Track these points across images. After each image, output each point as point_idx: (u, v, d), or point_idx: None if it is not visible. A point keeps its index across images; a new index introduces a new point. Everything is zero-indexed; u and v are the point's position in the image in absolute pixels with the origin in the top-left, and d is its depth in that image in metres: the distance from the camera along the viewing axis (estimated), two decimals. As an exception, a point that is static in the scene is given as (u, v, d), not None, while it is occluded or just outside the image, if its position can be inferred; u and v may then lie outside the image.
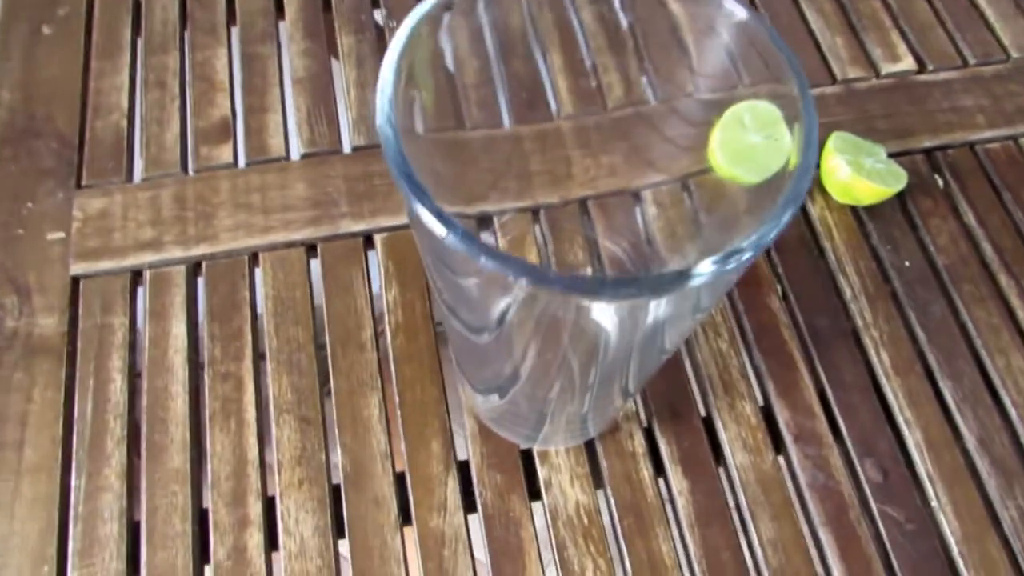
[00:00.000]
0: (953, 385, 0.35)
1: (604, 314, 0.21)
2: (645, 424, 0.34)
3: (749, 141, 0.26)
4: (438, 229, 0.19)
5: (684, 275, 0.19)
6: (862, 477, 0.33)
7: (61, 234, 0.37)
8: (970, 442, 0.34)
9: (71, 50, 0.43)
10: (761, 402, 0.35)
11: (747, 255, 0.20)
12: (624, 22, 0.28)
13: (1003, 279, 0.38)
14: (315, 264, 0.38)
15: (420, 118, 0.28)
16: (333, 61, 0.44)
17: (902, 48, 0.45)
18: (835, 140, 0.38)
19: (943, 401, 0.35)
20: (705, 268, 0.19)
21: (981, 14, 0.46)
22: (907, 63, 0.44)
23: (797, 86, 0.22)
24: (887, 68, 0.44)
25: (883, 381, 0.35)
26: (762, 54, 0.25)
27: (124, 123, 0.41)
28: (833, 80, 0.43)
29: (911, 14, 0.46)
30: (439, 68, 0.28)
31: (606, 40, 0.30)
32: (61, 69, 0.42)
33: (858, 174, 0.37)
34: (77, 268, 0.36)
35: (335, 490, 0.33)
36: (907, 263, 0.38)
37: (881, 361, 0.35)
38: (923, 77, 0.44)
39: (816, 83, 0.43)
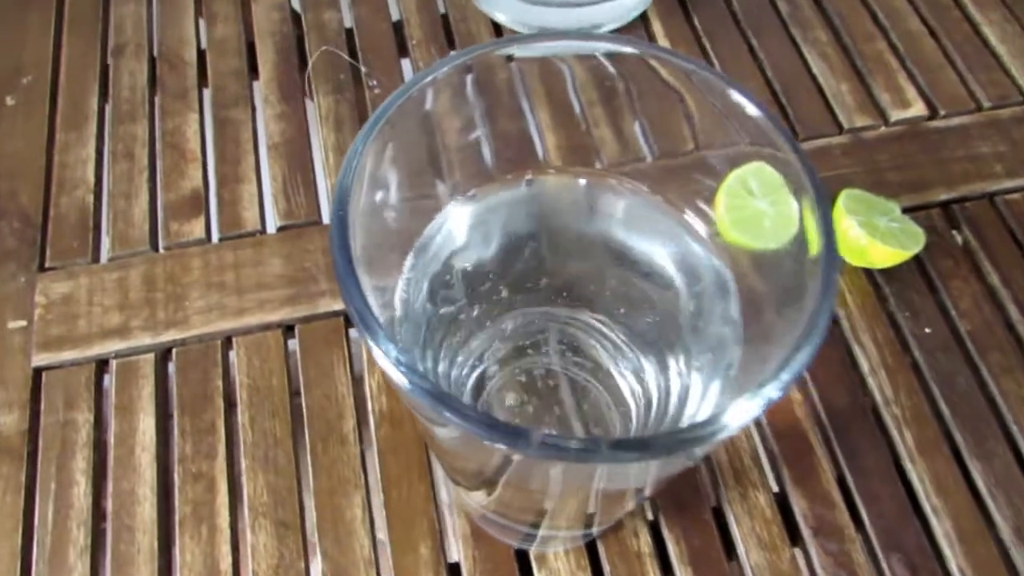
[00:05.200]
0: (983, 467, 0.32)
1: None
2: (651, 519, 0.31)
3: (757, 207, 0.24)
4: (399, 379, 0.16)
5: (709, 428, 0.16)
6: (888, 575, 0.30)
7: (23, 322, 0.35)
8: (1004, 532, 0.31)
9: (35, 121, 0.41)
10: (776, 490, 0.32)
11: (776, 394, 0.17)
12: (620, 83, 0.26)
13: (1031, 343, 0.35)
14: (293, 345, 0.35)
15: (396, 188, 0.26)
16: (310, 124, 0.41)
17: (911, 92, 0.42)
18: (845, 199, 0.36)
19: (973, 486, 0.32)
20: (737, 417, 0.16)
21: (993, 52, 0.44)
22: (917, 108, 0.42)
23: (804, 173, 0.20)
24: (896, 115, 0.41)
25: (907, 464, 0.32)
26: (757, 125, 0.22)
27: (90, 198, 0.39)
28: (840, 130, 0.41)
29: (919, 55, 0.44)
30: (420, 137, 0.26)
31: (598, 94, 0.28)
32: (25, 142, 0.40)
33: (872, 237, 0.34)
34: (39, 359, 0.34)
35: (316, 602, 0.30)
36: (928, 330, 0.35)
37: (904, 441, 0.33)
38: (935, 123, 0.41)
39: (822, 133, 0.41)
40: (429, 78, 0.22)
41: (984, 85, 0.42)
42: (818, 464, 0.32)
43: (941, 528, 0.31)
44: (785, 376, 0.16)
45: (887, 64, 0.43)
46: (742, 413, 0.16)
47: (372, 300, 0.18)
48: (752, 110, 0.21)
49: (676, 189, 0.26)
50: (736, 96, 0.21)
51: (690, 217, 0.26)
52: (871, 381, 0.34)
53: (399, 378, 0.16)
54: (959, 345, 0.35)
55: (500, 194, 0.26)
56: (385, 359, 0.16)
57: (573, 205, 0.27)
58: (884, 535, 0.31)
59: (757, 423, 0.33)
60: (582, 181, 0.27)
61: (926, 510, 0.31)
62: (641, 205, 0.26)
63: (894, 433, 0.33)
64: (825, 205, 0.20)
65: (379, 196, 0.23)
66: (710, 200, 0.25)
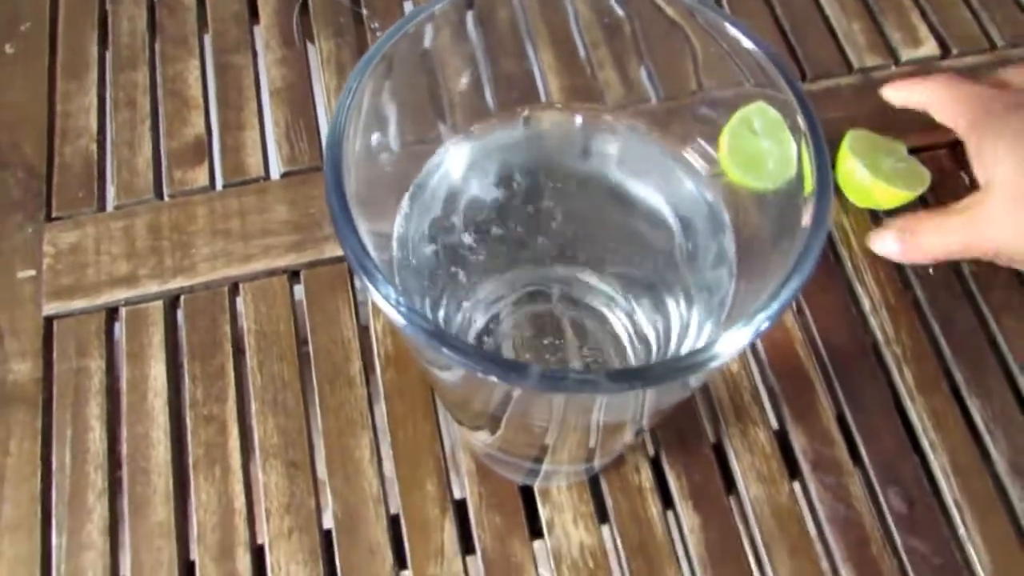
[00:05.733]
0: (982, 404, 0.33)
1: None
2: (652, 455, 0.32)
3: (760, 146, 0.24)
4: (397, 319, 0.16)
5: (701, 356, 0.17)
6: (885, 507, 0.31)
7: (32, 272, 0.36)
8: (1000, 465, 0.32)
9: (35, 70, 0.41)
10: (776, 427, 0.33)
11: (766, 323, 0.17)
12: (622, 16, 0.25)
13: (1035, 282, 0.35)
14: (299, 291, 0.36)
15: (395, 132, 0.26)
16: (312, 68, 0.41)
17: (923, 31, 0.41)
18: (851, 140, 0.35)
19: (971, 422, 0.33)
20: (728, 346, 0.17)
21: (1008, -13, 0.43)
22: (929, 47, 0.41)
23: (801, 112, 0.20)
24: (908, 54, 0.41)
25: (906, 402, 0.33)
26: (758, 63, 0.22)
27: (94, 147, 0.39)
28: (849, 69, 0.40)
29: (932, -10, 0.43)
30: (418, 76, 0.26)
31: (603, 34, 0.28)
32: (26, 92, 0.40)
33: (877, 177, 0.34)
34: (50, 308, 0.35)
35: (327, 537, 0.31)
36: (931, 269, 0.35)
37: (904, 379, 0.33)
38: (947, 63, 0.40)
39: (831, 74, 0.40)
40: (426, 12, 0.22)
41: (999, 23, 0.41)
42: (818, 401, 0.33)
43: (938, 462, 0.32)
44: (775, 306, 0.16)
45: (899, 2, 0.42)
46: (734, 342, 0.16)
47: (368, 241, 0.18)
48: (751, 47, 0.21)
49: (678, 129, 0.26)
50: (735, 33, 0.21)
51: (691, 156, 0.26)
52: (872, 320, 0.34)
53: (396, 316, 0.17)
54: (961, 284, 0.35)
55: (496, 133, 0.26)
56: (381, 299, 0.17)
57: (569, 144, 0.27)
58: (881, 469, 0.32)
59: (758, 361, 0.34)
60: (578, 119, 0.26)
61: (924, 445, 0.32)
62: (637, 144, 0.26)
63: (894, 371, 0.33)
64: (820, 142, 0.20)
65: (376, 136, 0.23)
66: (712, 139, 0.25)
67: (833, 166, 0.35)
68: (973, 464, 0.32)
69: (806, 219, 0.18)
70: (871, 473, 0.32)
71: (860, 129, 0.36)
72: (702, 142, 0.25)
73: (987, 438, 0.32)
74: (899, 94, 0.35)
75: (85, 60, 0.41)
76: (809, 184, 0.19)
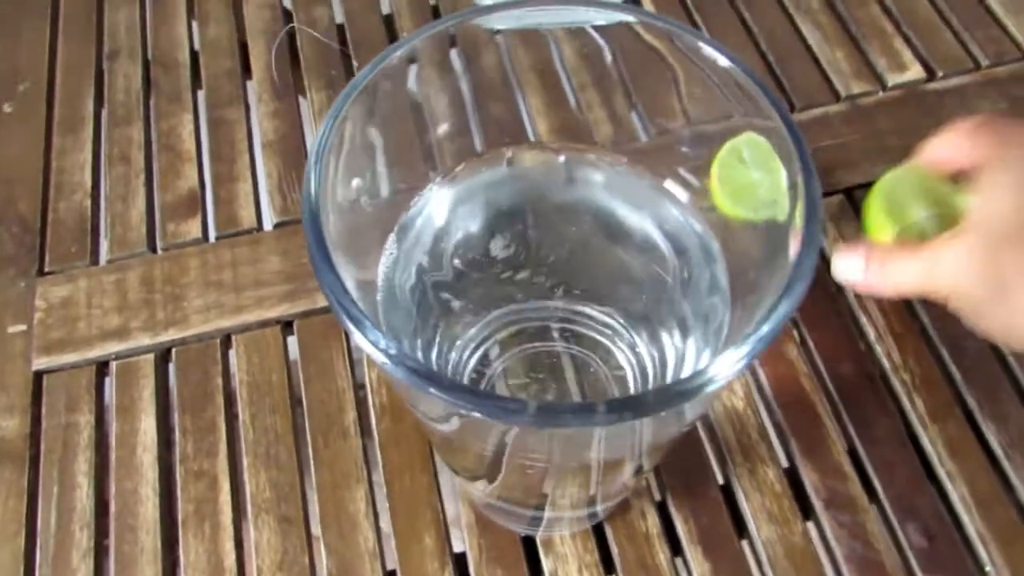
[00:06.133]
0: (998, 428, 0.32)
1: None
2: (659, 499, 0.31)
3: (750, 177, 0.24)
4: (378, 357, 0.16)
5: (696, 382, 0.16)
6: (905, 543, 0.30)
7: (23, 327, 0.35)
8: (1023, 493, 0.30)
9: (33, 127, 0.41)
10: (785, 464, 0.32)
11: (759, 346, 0.17)
12: (607, 55, 0.25)
13: (1043, 304, 0.34)
14: (292, 342, 0.35)
15: (380, 173, 0.25)
16: (304, 119, 0.41)
17: (908, 55, 0.41)
18: (887, 183, 0.30)
19: (988, 448, 0.31)
20: (722, 370, 0.16)
21: (988, 9, 0.43)
22: (915, 72, 0.41)
23: (790, 138, 0.19)
24: (894, 79, 0.41)
25: (919, 430, 0.32)
26: (746, 92, 0.22)
27: (88, 202, 0.39)
28: (837, 98, 0.40)
29: (914, 17, 0.43)
30: (402, 117, 0.25)
31: (590, 76, 0.28)
32: (23, 148, 0.40)
33: (900, 234, 0.29)
34: (40, 363, 0.34)
35: (322, 595, 0.30)
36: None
37: (915, 407, 0.32)
38: (934, 85, 0.40)
39: (819, 103, 0.40)
40: (406, 47, 0.21)
41: (981, 43, 0.41)
42: (827, 436, 0.32)
43: (957, 493, 0.30)
44: (765, 329, 0.16)
45: (882, 28, 0.42)
46: (727, 366, 0.15)
47: (351, 282, 0.18)
48: (732, 69, 0.21)
49: (665, 162, 0.25)
50: (712, 54, 0.21)
51: (678, 187, 0.26)
52: (878, 348, 0.33)
53: (377, 355, 0.16)
54: (968, 309, 0.34)
55: (481, 172, 0.25)
56: (365, 341, 0.16)
57: (554, 178, 0.26)
58: (899, 503, 0.30)
59: (763, 397, 0.33)
60: (562, 158, 0.26)
61: (940, 476, 0.31)
62: (623, 177, 0.26)
63: (904, 399, 0.32)
64: (809, 167, 0.19)
65: (357, 179, 0.23)
66: (699, 171, 0.25)
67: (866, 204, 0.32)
68: (994, 493, 0.30)
69: (795, 246, 0.18)
70: (887, 508, 0.30)
71: (901, 171, 0.31)
72: (686, 174, 0.25)
73: (1006, 464, 0.31)
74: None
75: (81, 117, 0.41)
76: (800, 211, 0.19)
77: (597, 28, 0.24)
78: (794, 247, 0.19)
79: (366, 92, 0.21)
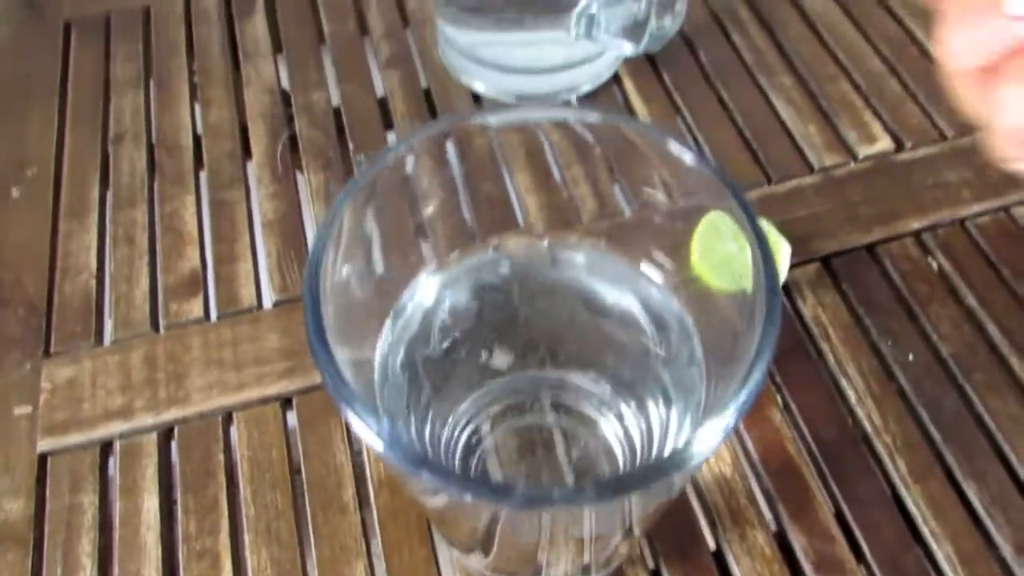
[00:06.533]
0: (978, 487, 0.32)
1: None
2: (652, 567, 0.32)
3: (728, 249, 0.25)
4: (375, 444, 0.17)
5: (680, 457, 0.17)
6: (894, 605, 0.30)
7: (28, 408, 0.36)
8: (1005, 550, 0.31)
9: (40, 212, 0.43)
10: (774, 528, 0.32)
11: (734, 417, 0.18)
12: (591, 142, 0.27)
13: (1015, 362, 0.36)
14: (292, 417, 0.36)
15: (380, 260, 0.27)
16: (302, 199, 0.43)
17: (877, 128, 0.44)
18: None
19: (970, 506, 0.32)
20: (703, 445, 0.17)
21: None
22: (884, 143, 0.43)
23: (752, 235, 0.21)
24: (864, 151, 0.43)
25: (902, 491, 0.33)
26: (701, 175, 0.24)
27: (93, 283, 0.40)
28: (811, 170, 0.42)
29: (882, 92, 0.45)
30: (399, 205, 0.27)
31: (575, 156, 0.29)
32: (30, 233, 0.42)
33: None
34: (44, 444, 0.35)
35: (323, 672, 0.30)
36: (911, 356, 0.36)
37: (897, 468, 0.33)
38: (902, 156, 0.43)
39: (793, 175, 0.42)
40: (406, 145, 0.23)
41: (947, 115, 0.44)
42: (814, 498, 0.33)
43: (942, 552, 0.31)
44: (742, 397, 0.17)
45: (851, 103, 0.45)
46: (708, 438, 0.17)
47: (347, 365, 0.19)
48: (691, 161, 0.23)
49: (641, 240, 0.27)
50: (675, 149, 0.23)
51: (653, 265, 0.28)
52: (859, 411, 0.34)
53: (374, 441, 0.17)
54: (943, 369, 0.35)
55: (468, 256, 0.27)
56: (358, 422, 0.17)
57: (539, 260, 0.28)
58: (886, 565, 0.31)
59: (750, 462, 0.34)
60: (545, 242, 0.28)
61: (925, 535, 0.32)
62: (602, 257, 0.27)
63: (887, 461, 0.33)
64: (760, 237, 0.21)
65: (356, 264, 0.24)
66: (673, 248, 0.27)
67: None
68: (978, 551, 0.31)
69: (759, 318, 0.19)
70: (875, 569, 0.31)
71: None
72: (660, 256, 0.27)
73: (988, 522, 0.32)
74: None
75: (87, 201, 0.43)
76: (757, 279, 0.20)
77: (581, 123, 0.26)
78: (758, 321, 0.20)
79: (364, 190, 0.23)
